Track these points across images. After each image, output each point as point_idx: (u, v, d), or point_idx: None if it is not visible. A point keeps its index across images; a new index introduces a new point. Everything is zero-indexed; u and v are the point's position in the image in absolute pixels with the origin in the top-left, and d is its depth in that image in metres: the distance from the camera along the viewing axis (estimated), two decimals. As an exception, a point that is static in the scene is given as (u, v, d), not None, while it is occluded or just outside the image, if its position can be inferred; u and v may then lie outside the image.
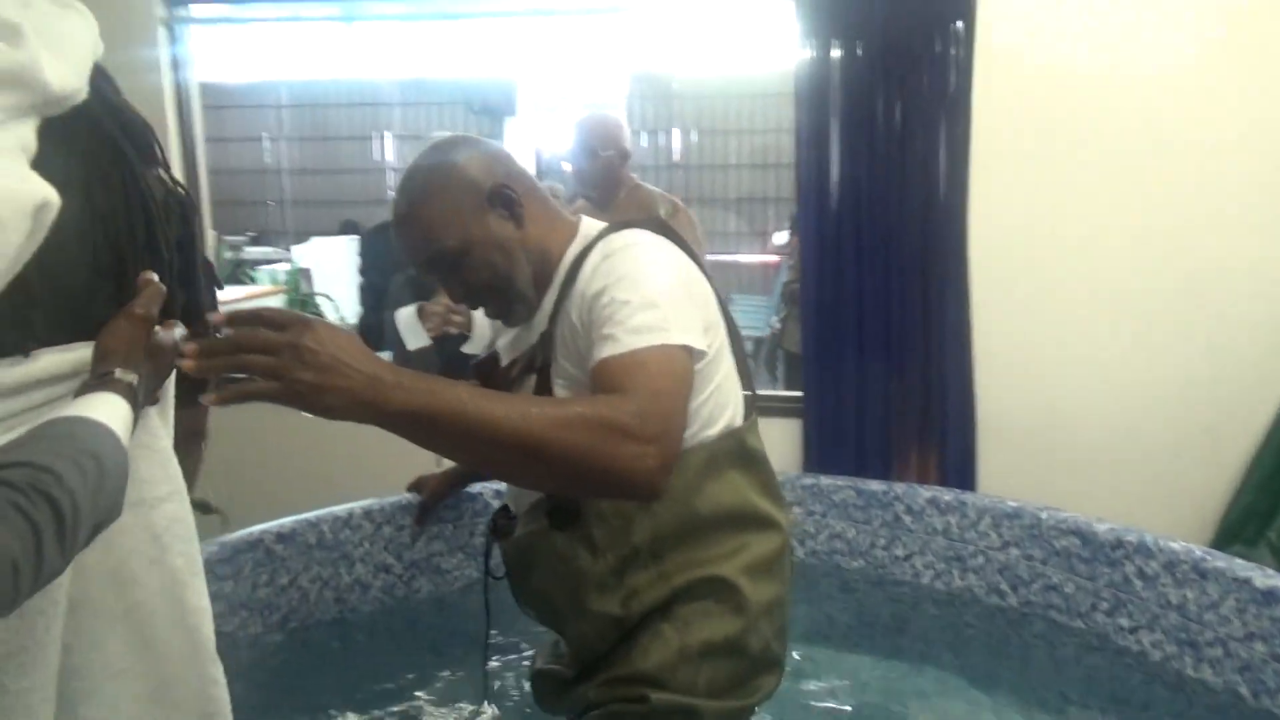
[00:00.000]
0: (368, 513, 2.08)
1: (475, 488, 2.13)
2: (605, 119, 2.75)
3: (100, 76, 0.95)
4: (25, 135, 0.88)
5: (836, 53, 2.52)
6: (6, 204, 0.81)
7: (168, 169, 1.04)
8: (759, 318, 6.27)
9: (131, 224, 0.94)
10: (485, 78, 8.54)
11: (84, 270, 0.90)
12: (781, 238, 8.27)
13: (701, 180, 9.79)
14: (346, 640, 2.02)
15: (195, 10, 2.60)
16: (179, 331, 0.94)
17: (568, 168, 2.90)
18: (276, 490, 2.79)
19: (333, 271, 7.48)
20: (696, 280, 1.21)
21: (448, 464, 2.18)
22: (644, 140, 9.02)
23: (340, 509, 2.07)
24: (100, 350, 0.88)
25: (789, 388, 3.80)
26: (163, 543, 0.96)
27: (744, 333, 6.03)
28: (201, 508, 2.94)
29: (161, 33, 2.55)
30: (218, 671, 1.01)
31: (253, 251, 8.48)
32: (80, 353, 0.88)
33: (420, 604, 2.12)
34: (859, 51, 2.50)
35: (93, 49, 0.98)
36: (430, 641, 2.07)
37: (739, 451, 1.24)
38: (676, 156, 9.81)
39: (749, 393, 1.30)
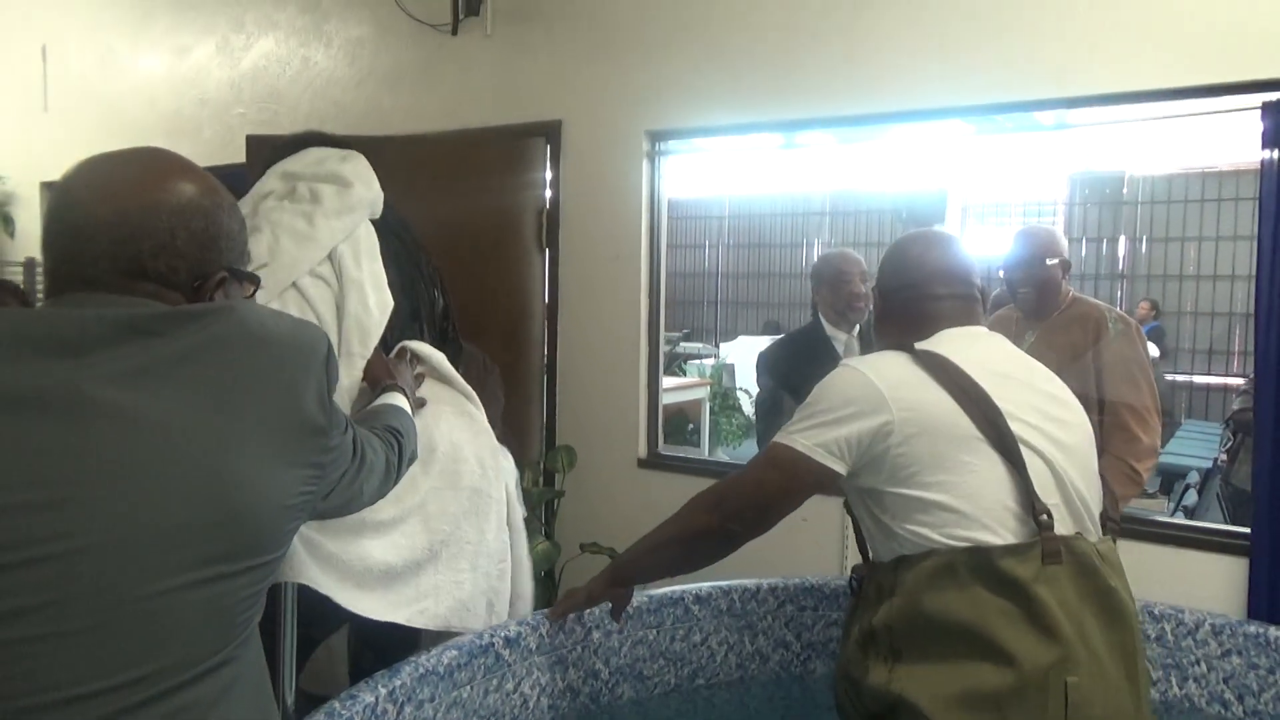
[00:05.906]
0: (773, 589, 2.26)
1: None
2: (1050, 229, 2.80)
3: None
4: (374, 236, 1.69)
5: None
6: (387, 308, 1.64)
7: (424, 251, 1.78)
8: (1209, 446, 5.51)
9: (422, 286, 1.74)
10: (914, 188, 8.68)
11: (404, 314, 1.74)
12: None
13: (1150, 292, 8.97)
14: (741, 703, 2.18)
15: (671, 145, 3.21)
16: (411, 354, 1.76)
17: (1001, 276, 2.89)
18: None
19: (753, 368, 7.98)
20: (884, 401, 1.35)
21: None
22: (1083, 249, 8.51)
23: (750, 582, 2.26)
24: (372, 376, 1.63)
25: (1236, 523, 3.33)
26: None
27: (1190, 462, 5.40)
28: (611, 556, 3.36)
29: (645, 163, 3.19)
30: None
31: (686, 346, 9.38)
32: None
33: (815, 683, 2.23)
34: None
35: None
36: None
37: (987, 570, 1.22)
38: (1121, 265, 9.11)
39: (1044, 518, 1.24)
